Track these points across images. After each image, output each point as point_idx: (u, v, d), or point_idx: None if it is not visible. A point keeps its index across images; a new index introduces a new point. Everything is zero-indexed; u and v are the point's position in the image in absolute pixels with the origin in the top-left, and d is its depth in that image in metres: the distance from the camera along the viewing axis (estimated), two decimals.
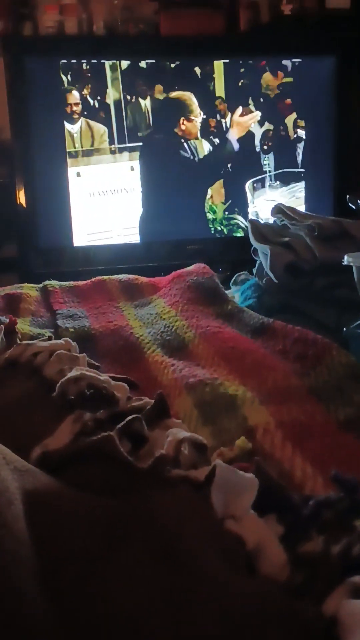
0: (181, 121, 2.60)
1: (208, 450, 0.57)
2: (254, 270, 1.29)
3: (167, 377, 0.85)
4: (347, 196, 1.05)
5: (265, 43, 2.83)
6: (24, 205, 2.75)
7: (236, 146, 2.66)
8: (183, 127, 2.58)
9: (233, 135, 2.64)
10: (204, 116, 2.65)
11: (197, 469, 0.51)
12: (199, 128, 2.60)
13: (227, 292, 1.27)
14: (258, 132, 2.70)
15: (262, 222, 1.29)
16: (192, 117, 2.56)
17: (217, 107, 2.64)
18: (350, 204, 1.05)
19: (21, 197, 2.75)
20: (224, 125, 2.64)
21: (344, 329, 0.96)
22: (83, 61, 2.70)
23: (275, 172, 2.66)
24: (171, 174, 2.65)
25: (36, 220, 2.78)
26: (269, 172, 2.60)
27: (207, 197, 2.63)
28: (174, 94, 2.59)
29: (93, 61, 2.69)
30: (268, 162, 2.60)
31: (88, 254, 2.81)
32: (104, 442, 0.52)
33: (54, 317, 1.16)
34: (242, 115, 2.63)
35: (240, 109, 2.63)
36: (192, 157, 2.61)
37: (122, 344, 1.00)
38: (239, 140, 2.66)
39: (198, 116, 2.57)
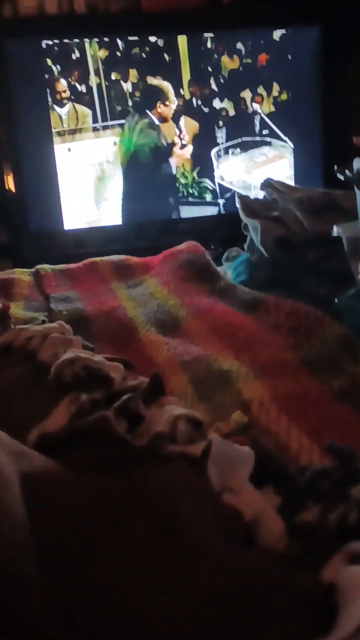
0: (158, 105, 2.84)
1: (204, 426, 0.57)
2: (245, 246, 1.28)
3: (162, 356, 0.85)
4: (335, 167, 1.04)
5: (248, 15, 2.81)
6: (13, 190, 2.73)
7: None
8: (159, 110, 2.85)
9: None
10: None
11: (194, 445, 0.51)
12: (172, 113, 2.89)
13: (219, 268, 1.27)
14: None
15: (251, 197, 1.29)
16: (167, 103, 2.85)
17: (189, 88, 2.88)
18: (338, 175, 1.05)
19: (9, 183, 2.73)
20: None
21: (336, 300, 0.97)
22: (65, 41, 2.67)
23: (238, 141, 2.99)
24: (147, 156, 2.90)
25: (26, 205, 2.76)
26: (222, 143, 2.94)
27: (179, 164, 2.93)
28: (154, 82, 2.83)
29: (75, 46, 2.68)
30: (221, 135, 2.94)
31: (80, 238, 2.80)
32: (100, 421, 0.52)
33: (47, 300, 1.16)
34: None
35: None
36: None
37: (116, 325, 1.00)
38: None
39: (173, 102, 2.85)
